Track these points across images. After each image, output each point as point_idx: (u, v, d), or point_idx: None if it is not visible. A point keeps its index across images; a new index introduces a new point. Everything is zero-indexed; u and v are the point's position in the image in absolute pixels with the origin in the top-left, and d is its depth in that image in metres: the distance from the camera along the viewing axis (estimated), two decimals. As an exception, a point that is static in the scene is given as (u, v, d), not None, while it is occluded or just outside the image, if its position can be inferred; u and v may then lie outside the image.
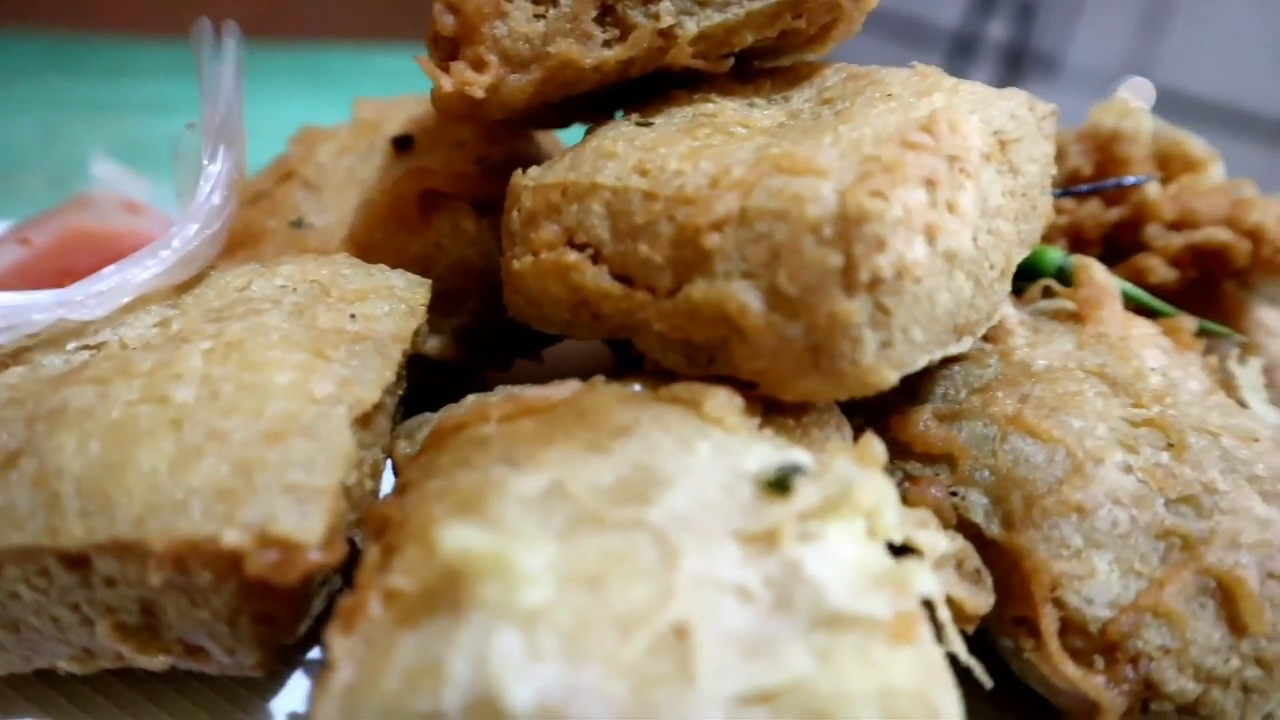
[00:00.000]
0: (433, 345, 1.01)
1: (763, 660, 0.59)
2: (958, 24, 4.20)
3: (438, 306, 1.02)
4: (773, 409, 0.78)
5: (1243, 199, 1.04)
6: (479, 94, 0.83)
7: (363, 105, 1.19)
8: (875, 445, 0.73)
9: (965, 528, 0.80)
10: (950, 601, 0.74)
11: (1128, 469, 0.79)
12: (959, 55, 4.18)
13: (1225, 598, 0.74)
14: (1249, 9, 4.06)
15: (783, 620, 0.60)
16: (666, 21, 0.84)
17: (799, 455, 0.67)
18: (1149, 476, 0.79)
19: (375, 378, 0.78)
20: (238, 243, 1.11)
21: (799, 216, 0.70)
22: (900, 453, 0.85)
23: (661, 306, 0.77)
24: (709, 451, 0.67)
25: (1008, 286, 0.83)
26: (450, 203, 1.01)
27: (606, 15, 0.85)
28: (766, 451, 0.68)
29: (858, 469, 0.68)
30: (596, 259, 0.80)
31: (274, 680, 0.81)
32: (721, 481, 0.65)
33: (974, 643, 0.71)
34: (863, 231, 0.68)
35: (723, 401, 0.73)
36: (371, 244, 1.00)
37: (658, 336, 0.79)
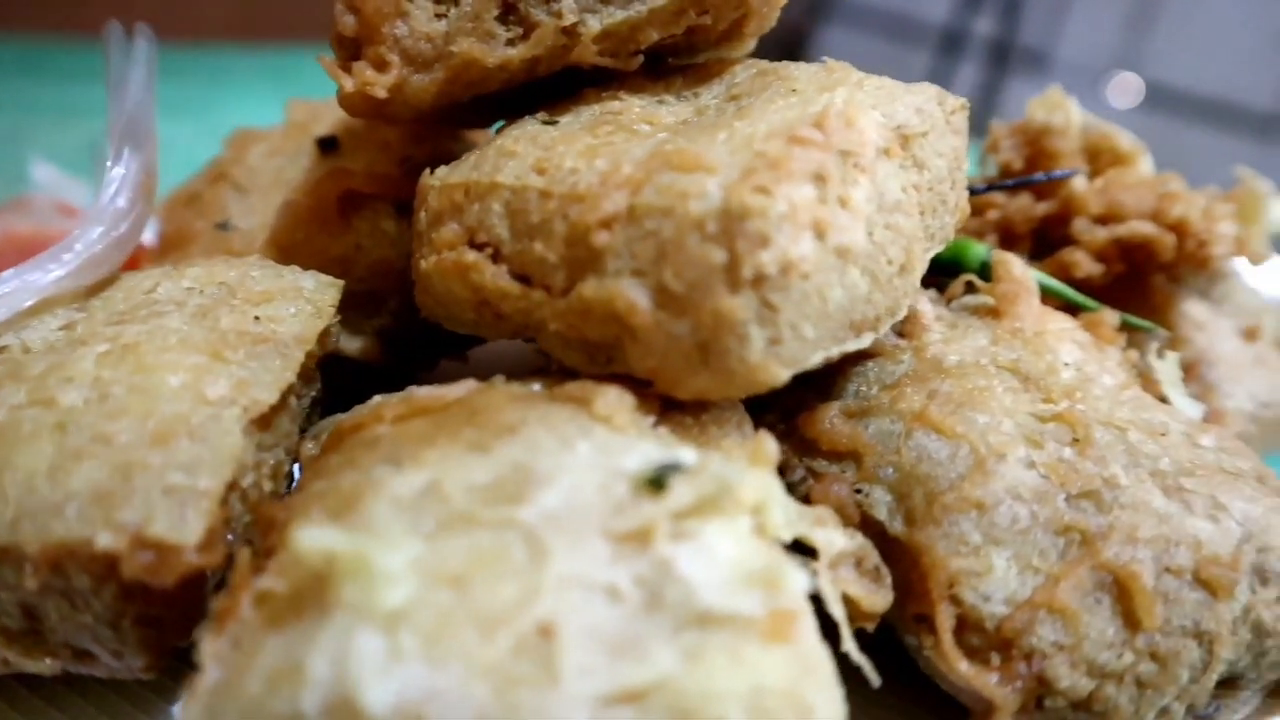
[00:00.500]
0: (354, 346, 1.01)
1: (630, 659, 0.58)
2: (945, 20, 4.20)
3: (359, 307, 1.02)
4: (672, 407, 0.77)
5: (1168, 192, 1.03)
6: (381, 94, 0.83)
7: (295, 107, 1.19)
8: (767, 444, 0.73)
9: (869, 525, 0.80)
10: (848, 599, 0.74)
11: (1030, 464, 0.79)
12: (947, 51, 4.17)
13: (1120, 593, 0.73)
14: (1236, 2, 4.05)
15: (652, 619, 0.60)
16: (569, 19, 0.84)
17: (678, 453, 0.67)
18: (1051, 472, 0.78)
19: (274, 379, 0.78)
20: (170, 245, 1.11)
21: (683, 213, 0.69)
22: (807, 450, 0.85)
23: (556, 305, 0.76)
24: (589, 450, 0.67)
25: (912, 281, 0.82)
26: (371, 204, 1.01)
27: (509, 14, 0.84)
28: (650, 450, 0.68)
29: (740, 467, 0.68)
30: (496, 258, 0.80)
31: (178, 682, 0.81)
32: (598, 480, 0.65)
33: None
34: (745, 227, 0.68)
35: (613, 400, 0.72)
36: (292, 245, 1.00)
37: (556, 336, 0.78)
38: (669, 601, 0.60)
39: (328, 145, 1.07)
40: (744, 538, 0.65)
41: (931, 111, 0.85)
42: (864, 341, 0.78)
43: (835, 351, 0.75)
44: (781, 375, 0.72)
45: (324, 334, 0.86)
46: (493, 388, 0.77)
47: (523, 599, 0.59)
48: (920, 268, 0.84)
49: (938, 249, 0.88)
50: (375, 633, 0.57)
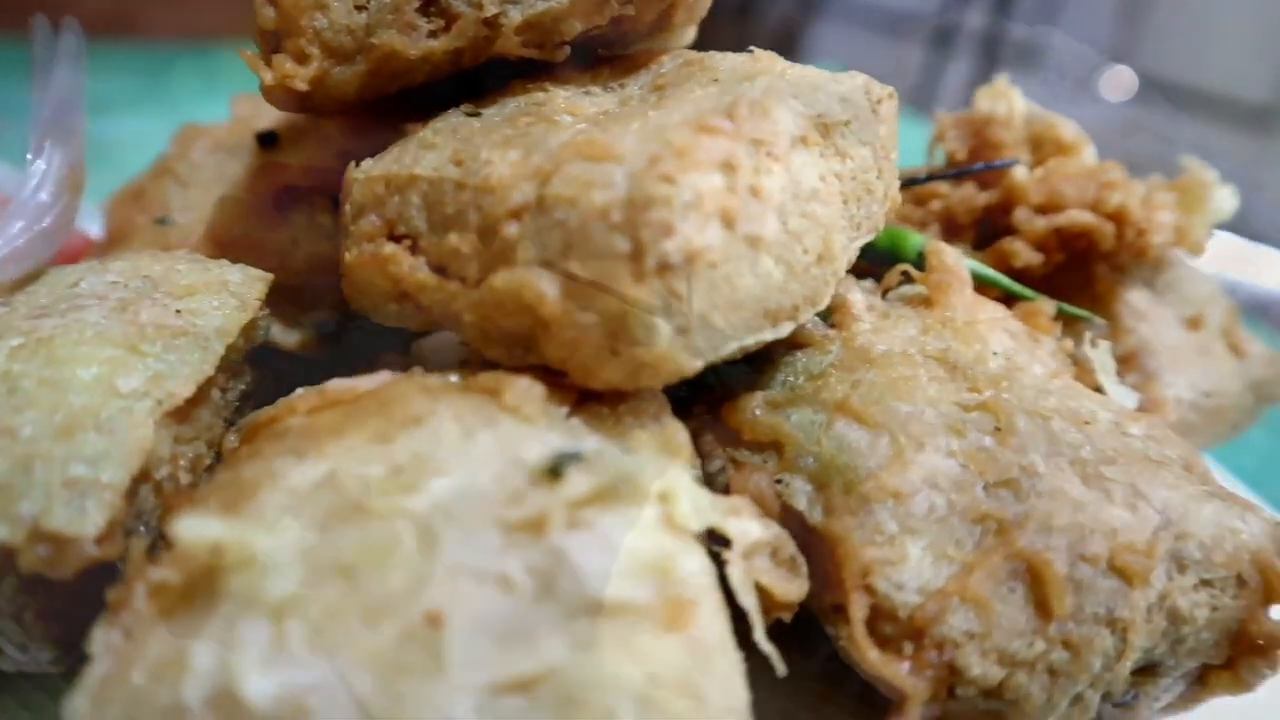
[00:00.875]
0: (291, 340, 1.00)
1: (519, 649, 0.58)
2: (937, 13, 4.19)
3: (296, 301, 1.02)
4: (589, 399, 0.77)
5: (1108, 181, 1.03)
6: (302, 86, 0.83)
7: (240, 102, 1.19)
8: (678, 434, 0.73)
9: (789, 515, 0.80)
10: (763, 589, 0.74)
11: (950, 454, 0.79)
12: (939, 46, 4.16)
13: (1033, 581, 0.73)
14: (1230, -6, 4.03)
15: (544, 609, 0.60)
16: (490, 10, 0.84)
17: (578, 443, 0.67)
18: (970, 461, 0.78)
19: (192, 372, 0.78)
20: (113, 240, 1.11)
21: (589, 203, 0.69)
22: (730, 440, 0.84)
23: (471, 297, 0.76)
24: (491, 440, 0.67)
25: (834, 270, 0.82)
26: (308, 198, 1.01)
27: (430, 5, 0.84)
28: (551, 439, 0.68)
29: (645, 457, 0.68)
30: (414, 250, 0.80)
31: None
32: (496, 470, 0.65)
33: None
34: (649, 217, 0.68)
35: (522, 390, 0.72)
36: (230, 239, 1.00)
37: (473, 327, 0.78)
38: (561, 591, 0.60)
39: (267, 140, 1.07)
40: (645, 527, 0.64)
41: (856, 100, 0.84)
42: (781, 331, 0.78)
43: (750, 341, 0.75)
44: (691, 365, 0.72)
45: (250, 327, 0.86)
46: (407, 379, 0.77)
47: (411, 589, 0.59)
48: (844, 257, 0.83)
49: (866, 238, 0.88)
50: (260, 623, 0.57)
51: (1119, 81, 4.20)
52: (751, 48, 0.88)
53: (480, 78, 0.93)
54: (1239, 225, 1.33)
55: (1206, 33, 4.03)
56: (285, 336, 1.00)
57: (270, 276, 0.91)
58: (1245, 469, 1.29)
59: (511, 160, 0.75)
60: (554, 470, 0.64)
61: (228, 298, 0.85)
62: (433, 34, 0.85)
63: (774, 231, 0.74)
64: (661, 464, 0.69)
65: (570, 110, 0.84)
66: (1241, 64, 3.95)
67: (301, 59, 0.83)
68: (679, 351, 0.71)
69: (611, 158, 0.71)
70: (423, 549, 0.60)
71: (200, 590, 0.59)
